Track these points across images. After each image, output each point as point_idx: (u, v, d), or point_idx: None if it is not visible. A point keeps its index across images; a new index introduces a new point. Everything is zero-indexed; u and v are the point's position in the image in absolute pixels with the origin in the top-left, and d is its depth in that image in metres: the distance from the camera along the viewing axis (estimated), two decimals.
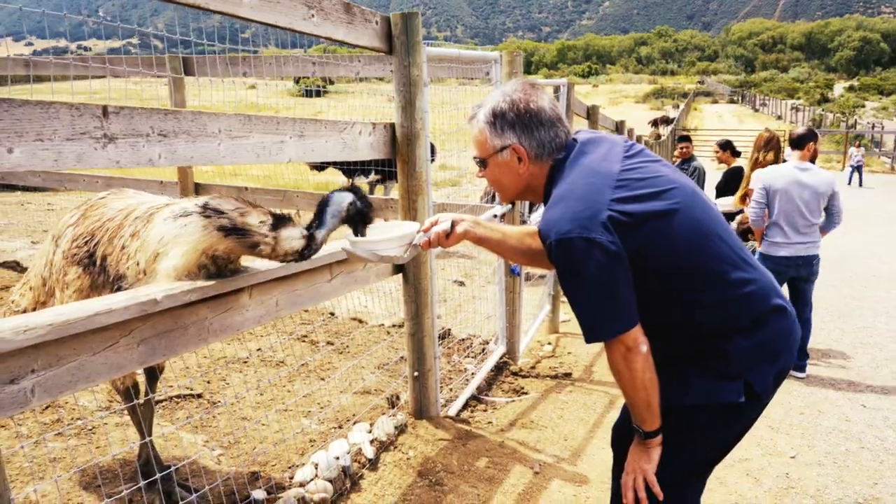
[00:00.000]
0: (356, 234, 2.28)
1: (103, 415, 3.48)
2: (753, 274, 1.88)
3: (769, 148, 5.61)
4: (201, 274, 2.21)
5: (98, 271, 2.31)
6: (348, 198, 2.26)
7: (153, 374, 2.81)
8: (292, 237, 2.19)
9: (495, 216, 4.39)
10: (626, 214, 1.73)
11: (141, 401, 2.67)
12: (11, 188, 12.16)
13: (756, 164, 5.61)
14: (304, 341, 4.97)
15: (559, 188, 1.84)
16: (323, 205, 2.26)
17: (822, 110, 44.67)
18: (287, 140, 2.70)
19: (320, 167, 10.09)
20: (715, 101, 63.23)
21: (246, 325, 2.47)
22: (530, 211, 6.10)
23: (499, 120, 1.91)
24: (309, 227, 2.23)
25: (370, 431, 3.44)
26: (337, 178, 10.94)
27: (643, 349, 1.79)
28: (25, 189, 12.23)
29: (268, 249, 2.18)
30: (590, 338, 1.80)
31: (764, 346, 1.87)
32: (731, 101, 62.94)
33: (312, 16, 2.77)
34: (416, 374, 3.68)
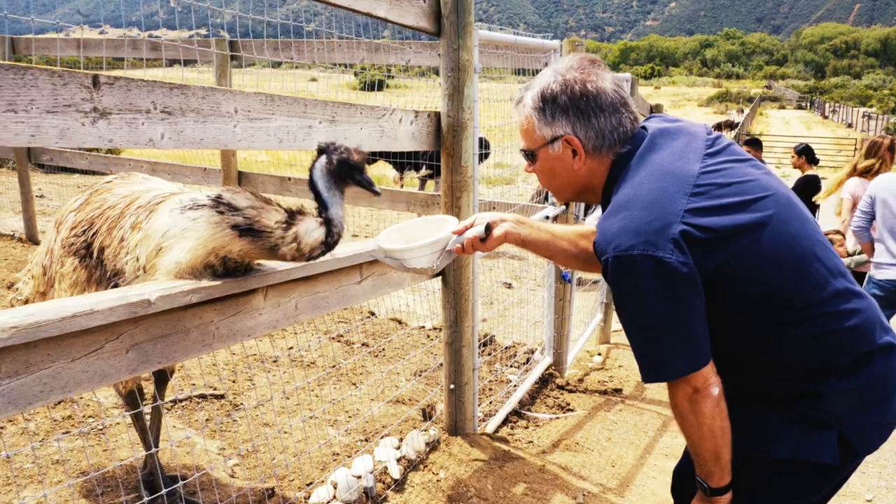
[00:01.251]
0: (358, 184, 1.93)
1: (118, 414, 3.27)
2: (857, 304, 1.51)
3: (869, 154, 5.01)
4: (206, 273, 1.94)
5: (95, 264, 2.07)
6: (321, 161, 1.93)
7: (162, 378, 2.57)
8: (311, 229, 1.90)
9: (547, 217, 4.03)
10: (703, 229, 1.39)
11: (147, 407, 2.43)
12: (70, 171, 12.28)
13: (853, 172, 5.06)
14: (339, 341, 4.71)
15: (621, 192, 1.50)
16: (312, 186, 1.95)
17: None
18: (316, 125, 2.42)
19: (370, 160, 9.85)
20: (782, 107, 61.30)
21: (258, 330, 2.21)
22: (586, 213, 5.70)
23: (549, 105, 1.57)
24: (319, 213, 1.94)
25: (398, 448, 3.15)
26: (387, 171, 10.72)
27: (714, 392, 1.45)
28: (85, 172, 12.33)
29: (292, 251, 1.89)
30: (649, 377, 1.46)
31: (867, 391, 1.51)
32: (799, 107, 60.99)
33: None
34: (451, 386, 3.38)
